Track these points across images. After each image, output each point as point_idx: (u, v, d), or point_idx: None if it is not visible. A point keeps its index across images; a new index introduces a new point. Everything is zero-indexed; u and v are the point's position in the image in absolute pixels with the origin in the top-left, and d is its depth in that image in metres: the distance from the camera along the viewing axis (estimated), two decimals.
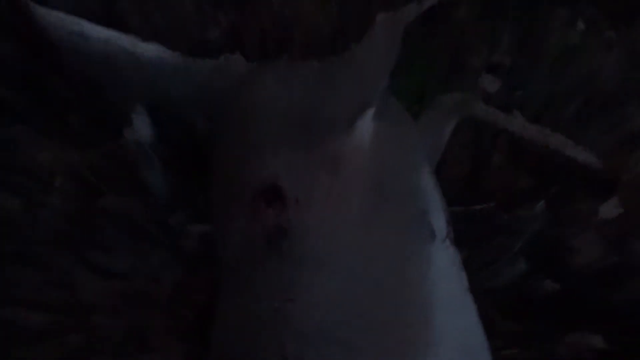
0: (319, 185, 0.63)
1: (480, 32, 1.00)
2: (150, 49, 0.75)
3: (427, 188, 0.68)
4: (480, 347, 0.58)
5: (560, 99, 0.90)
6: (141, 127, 0.78)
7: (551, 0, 0.99)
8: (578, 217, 0.83)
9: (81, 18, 0.74)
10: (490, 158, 0.90)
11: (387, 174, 0.66)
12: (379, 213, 0.62)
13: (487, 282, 0.79)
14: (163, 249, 0.81)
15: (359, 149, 0.64)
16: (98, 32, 0.74)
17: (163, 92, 0.79)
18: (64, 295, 0.78)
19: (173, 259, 0.81)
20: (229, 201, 0.68)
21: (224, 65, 0.78)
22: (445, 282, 0.62)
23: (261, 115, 0.70)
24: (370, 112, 0.63)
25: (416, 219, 0.64)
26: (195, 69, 0.77)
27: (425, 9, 0.76)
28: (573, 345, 0.78)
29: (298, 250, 0.59)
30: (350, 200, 0.62)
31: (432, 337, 0.54)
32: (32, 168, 0.81)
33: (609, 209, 0.82)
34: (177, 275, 0.80)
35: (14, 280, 0.78)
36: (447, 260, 0.64)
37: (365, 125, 0.64)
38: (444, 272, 0.63)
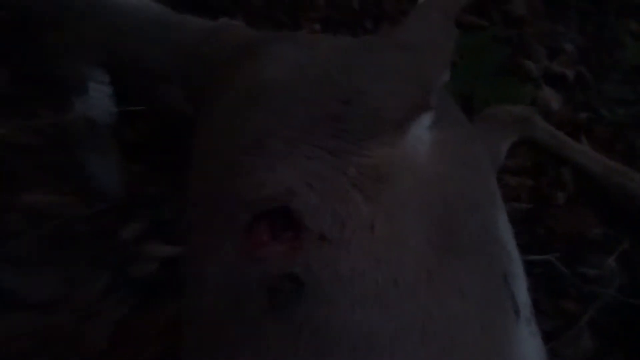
0: (355, 215, 0.42)
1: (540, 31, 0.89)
2: None
3: (507, 238, 0.48)
4: None
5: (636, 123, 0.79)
6: (98, 98, 0.60)
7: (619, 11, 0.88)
8: None
9: None
10: (552, 195, 0.72)
11: (455, 211, 0.45)
12: (447, 270, 0.41)
13: None
14: (105, 273, 0.60)
15: (411, 165, 0.46)
16: None
17: (135, 51, 0.61)
18: None
19: (119, 289, 0.59)
20: (211, 221, 0.47)
21: (220, 29, 0.62)
22: None
23: (269, 101, 0.50)
24: (426, 117, 0.47)
25: (496, 285, 0.43)
26: (183, 28, 0.63)
27: None
28: None
29: (320, 320, 0.38)
30: (403, 244, 0.41)
31: None
32: None
33: None
34: (122, 312, 0.58)
35: None
36: (532, 349, 0.44)
37: (419, 133, 0.47)
38: None
